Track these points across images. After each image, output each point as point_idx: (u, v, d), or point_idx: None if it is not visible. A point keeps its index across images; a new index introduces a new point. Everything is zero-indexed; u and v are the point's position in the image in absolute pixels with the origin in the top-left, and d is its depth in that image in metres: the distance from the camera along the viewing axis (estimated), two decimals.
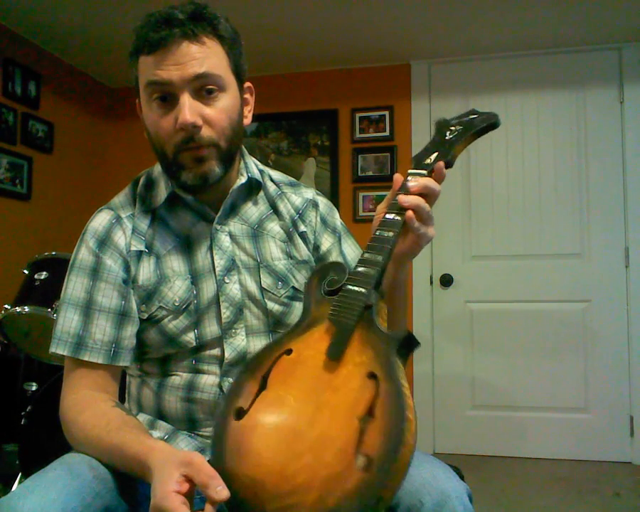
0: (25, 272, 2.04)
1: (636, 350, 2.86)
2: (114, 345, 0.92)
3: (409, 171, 0.91)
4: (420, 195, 0.86)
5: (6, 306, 1.96)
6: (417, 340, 0.80)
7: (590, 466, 2.79)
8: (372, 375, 0.74)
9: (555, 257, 2.98)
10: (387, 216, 0.87)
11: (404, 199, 0.86)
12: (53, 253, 2.06)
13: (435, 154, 0.91)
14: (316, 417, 0.73)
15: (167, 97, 0.89)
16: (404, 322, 1.01)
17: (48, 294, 1.94)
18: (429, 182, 0.88)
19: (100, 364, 0.91)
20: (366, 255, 0.85)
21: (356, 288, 0.82)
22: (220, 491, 0.68)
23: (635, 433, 2.85)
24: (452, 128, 0.93)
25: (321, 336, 0.81)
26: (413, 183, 0.87)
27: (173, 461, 0.71)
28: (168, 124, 0.89)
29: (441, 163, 0.89)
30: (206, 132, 0.89)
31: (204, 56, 0.88)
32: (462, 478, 0.88)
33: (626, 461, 2.85)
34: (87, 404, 0.88)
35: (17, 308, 1.93)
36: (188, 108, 0.87)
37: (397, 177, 0.90)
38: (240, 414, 0.77)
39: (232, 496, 0.69)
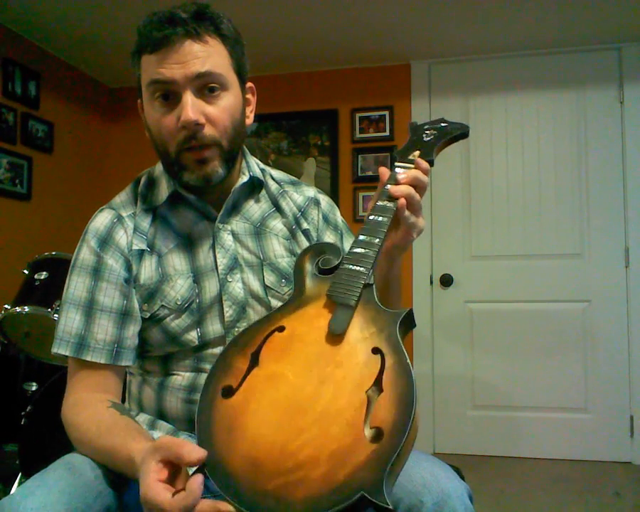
0: (25, 272, 2.04)
1: (636, 350, 2.86)
2: (116, 345, 0.92)
3: (397, 163, 0.93)
4: (410, 186, 0.89)
5: (6, 306, 1.96)
6: (414, 320, 0.81)
7: (590, 466, 2.79)
8: (377, 350, 0.73)
9: (555, 257, 2.98)
10: (379, 203, 0.89)
11: (395, 189, 0.88)
12: (53, 253, 2.06)
13: (417, 152, 0.94)
14: (319, 391, 0.71)
15: (169, 95, 0.89)
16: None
17: (48, 294, 1.94)
18: (418, 173, 0.90)
19: (103, 364, 0.91)
20: (362, 237, 0.86)
21: (355, 267, 0.82)
22: (191, 452, 0.66)
23: (635, 433, 2.85)
24: (427, 131, 0.97)
25: (317, 312, 0.80)
26: (403, 174, 0.89)
27: (147, 453, 0.71)
28: (170, 123, 0.89)
29: (424, 161, 0.92)
30: (208, 131, 0.90)
31: (207, 55, 0.88)
32: (462, 478, 0.88)
33: (626, 461, 2.85)
34: (84, 406, 0.88)
35: (17, 308, 1.93)
36: (191, 106, 0.87)
37: (384, 170, 0.92)
38: (229, 392, 0.74)
39: (228, 480, 0.67)
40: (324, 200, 1.11)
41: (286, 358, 0.76)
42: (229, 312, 0.96)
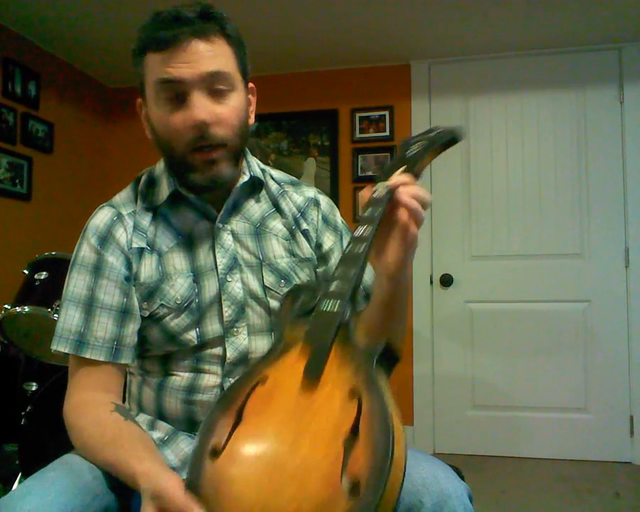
0: (25, 272, 2.04)
1: (636, 350, 2.86)
2: (115, 343, 0.92)
3: (378, 184, 0.87)
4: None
5: (6, 306, 1.96)
6: (397, 351, 0.76)
7: (590, 466, 2.79)
8: (353, 392, 0.70)
9: (555, 257, 2.98)
10: (356, 233, 0.83)
11: (393, 184, 0.83)
12: (53, 253, 2.06)
13: (402, 168, 0.88)
14: (297, 445, 0.68)
15: (177, 95, 0.89)
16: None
17: (48, 294, 1.94)
18: (404, 176, 0.84)
19: (103, 362, 0.91)
20: (338, 272, 0.81)
21: (330, 306, 0.78)
22: None
23: (635, 433, 2.85)
24: (415, 145, 0.91)
25: (296, 358, 0.77)
26: (393, 180, 0.84)
27: (148, 493, 0.71)
28: (177, 122, 0.89)
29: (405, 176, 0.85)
30: (217, 131, 0.90)
31: (214, 55, 0.89)
32: (462, 478, 0.88)
33: (626, 461, 2.85)
34: (86, 409, 0.88)
35: (17, 308, 1.93)
36: (200, 106, 0.87)
37: (363, 193, 0.87)
38: (216, 453, 0.71)
39: None
40: (324, 200, 1.10)
41: (267, 411, 0.73)
42: (228, 312, 0.96)
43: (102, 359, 0.91)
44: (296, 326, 0.83)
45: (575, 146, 2.99)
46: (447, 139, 0.91)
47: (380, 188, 0.85)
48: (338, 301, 0.78)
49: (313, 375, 0.73)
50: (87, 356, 0.90)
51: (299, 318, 0.84)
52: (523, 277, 3.00)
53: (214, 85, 0.89)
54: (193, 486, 0.70)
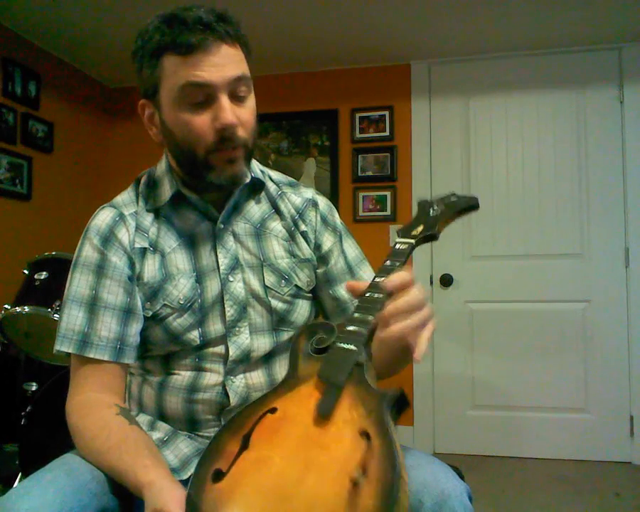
0: (25, 272, 2.04)
1: (636, 350, 2.86)
2: (119, 343, 0.92)
3: (397, 239, 0.91)
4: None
5: (6, 306, 1.96)
6: (408, 400, 0.78)
7: (590, 466, 2.79)
8: (364, 433, 0.71)
9: (555, 257, 2.98)
10: (377, 279, 0.85)
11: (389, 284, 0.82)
12: (53, 253, 2.06)
13: (421, 227, 0.92)
14: (304, 477, 0.68)
15: (204, 98, 0.89)
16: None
17: (48, 294, 1.94)
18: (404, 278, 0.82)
19: (106, 361, 0.91)
20: (356, 315, 0.83)
21: (346, 346, 0.80)
22: None
23: (635, 433, 2.85)
24: (435, 207, 0.95)
25: (309, 393, 0.79)
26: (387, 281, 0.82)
27: (149, 505, 0.71)
28: (202, 124, 0.89)
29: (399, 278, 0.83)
30: (241, 133, 0.91)
31: (239, 59, 0.91)
32: (462, 478, 0.88)
33: (626, 461, 2.85)
34: (90, 410, 0.88)
35: (17, 308, 1.93)
36: (229, 109, 0.89)
37: (353, 285, 0.86)
38: (219, 476, 0.72)
39: None
40: (322, 201, 1.10)
41: (275, 440, 0.74)
42: (230, 312, 0.96)
43: (105, 358, 0.91)
44: (310, 362, 0.85)
45: (575, 146, 2.99)
46: (467, 206, 0.97)
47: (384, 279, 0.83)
48: (355, 341, 0.80)
49: (325, 412, 0.75)
50: (91, 356, 0.90)
51: (313, 355, 0.86)
52: (523, 277, 3.00)
53: (238, 89, 0.90)
54: (194, 505, 0.70)
